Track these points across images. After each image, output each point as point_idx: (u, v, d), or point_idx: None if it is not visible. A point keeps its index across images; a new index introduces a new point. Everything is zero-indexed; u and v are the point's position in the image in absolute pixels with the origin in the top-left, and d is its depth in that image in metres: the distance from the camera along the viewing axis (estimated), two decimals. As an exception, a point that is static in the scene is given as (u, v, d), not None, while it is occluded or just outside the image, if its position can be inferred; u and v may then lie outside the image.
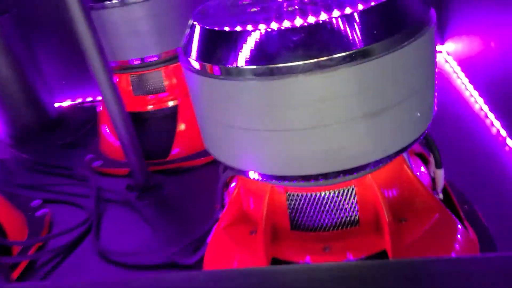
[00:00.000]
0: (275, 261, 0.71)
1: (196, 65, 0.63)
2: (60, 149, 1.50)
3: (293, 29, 0.56)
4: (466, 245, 0.72)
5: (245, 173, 0.68)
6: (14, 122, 1.58)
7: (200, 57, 0.63)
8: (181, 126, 1.30)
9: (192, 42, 0.65)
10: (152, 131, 1.32)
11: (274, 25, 0.57)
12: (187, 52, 0.65)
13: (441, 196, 0.78)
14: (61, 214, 1.18)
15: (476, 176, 1.02)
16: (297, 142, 0.59)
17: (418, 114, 0.62)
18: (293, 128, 0.59)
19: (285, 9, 0.62)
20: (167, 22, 1.22)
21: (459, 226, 0.73)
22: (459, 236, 0.72)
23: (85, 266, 1.00)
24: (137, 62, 1.26)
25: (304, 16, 0.58)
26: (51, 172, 1.37)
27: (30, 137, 1.59)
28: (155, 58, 1.25)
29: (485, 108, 1.25)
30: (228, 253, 0.77)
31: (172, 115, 1.31)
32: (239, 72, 0.58)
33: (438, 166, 0.75)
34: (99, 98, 1.73)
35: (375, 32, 0.56)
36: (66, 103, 1.77)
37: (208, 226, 0.96)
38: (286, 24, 0.57)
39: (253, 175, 0.67)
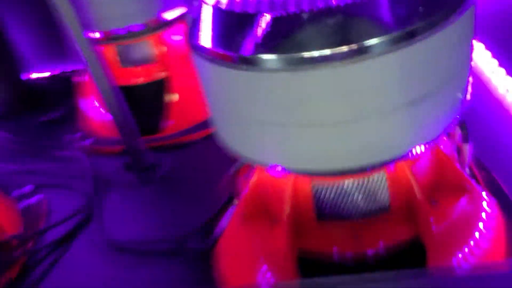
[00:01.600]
0: (302, 252, 0.68)
1: (209, 52, 0.56)
2: (42, 126, 1.41)
3: (328, 11, 0.49)
4: (495, 224, 0.70)
5: (267, 167, 0.63)
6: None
7: (214, 43, 0.55)
8: (174, 98, 1.23)
9: (203, 24, 0.57)
10: (143, 105, 1.24)
11: (305, 7, 0.50)
12: (197, 37, 0.57)
13: (467, 171, 0.75)
14: (56, 199, 1.11)
15: (489, 140, 0.99)
16: (331, 137, 0.54)
17: (460, 96, 0.57)
18: (328, 122, 0.53)
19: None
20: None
21: (488, 204, 0.71)
22: (488, 214, 0.70)
23: (92, 256, 0.96)
24: (122, 32, 1.15)
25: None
26: (36, 153, 1.28)
27: (8, 114, 1.47)
28: (142, 27, 1.15)
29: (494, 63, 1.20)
30: (246, 245, 0.74)
31: (161, 87, 1.23)
32: (266, 62, 0.51)
33: (465, 140, 0.72)
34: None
35: (417, 11, 0.50)
36: (40, 75, 1.64)
37: (216, 208, 0.92)
38: (320, 5, 0.50)
39: (276, 169, 0.62)
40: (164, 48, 1.21)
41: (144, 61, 1.22)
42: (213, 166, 1.07)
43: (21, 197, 1.09)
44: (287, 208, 0.67)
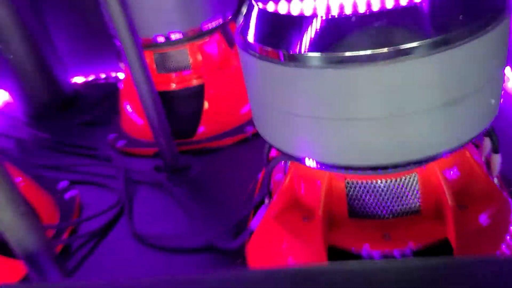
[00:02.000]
0: (332, 249, 0.70)
1: (258, 49, 0.60)
2: (77, 127, 1.47)
3: (372, 14, 0.53)
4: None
5: (301, 161, 0.67)
6: (29, 99, 1.53)
7: (264, 42, 0.60)
8: (207, 105, 1.28)
9: (253, 25, 0.62)
10: (177, 110, 1.29)
11: (349, 10, 0.54)
12: (247, 35, 0.62)
13: (496, 181, 0.77)
14: (89, 196, 1.16)
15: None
16: (369, 132, 0.58)
17: (493, 101, 0.60)
18: (368, 118, 0.57)
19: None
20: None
21: (516, 212, 0.73)
22: (516, 222, 0.72)
23: (122, 250, 0.99)
24: (161, 40, 1.21)
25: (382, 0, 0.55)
26: (72, 152, 1.34)
27: (46, 115, 1.54)
28: (179, 35, 1.21)
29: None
30: (279, 241, 0.76)
31: (197, 94, 1.28)
32: (312, 59, 0.55)
33: (495, 150, 0.74)
34: (115, 74, 1.69)
35: (458, 18, 0.54)
36: (80, 79, 1.72)
37: (246, 209, 0.95)
38: (364, 8, 0.54)
39: (311, 163, 0.65)
40: (200, 57, 1.27)
41: (180, 68, 1.28)
42: (243, 171, 1.12)
43: (56, 192, 1.14)
44: (321, 204, 0.69)
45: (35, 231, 0.60)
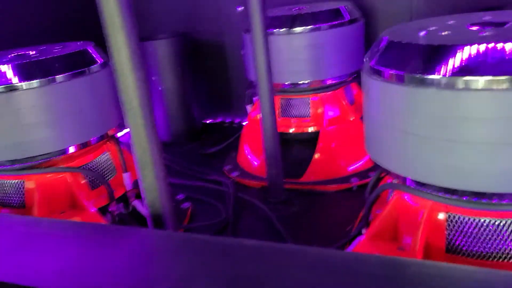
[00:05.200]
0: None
1: (384, 73, 0.69)
2: (200, 157, 1.66)
3: (492, 47, 0.59)
4: None
5: (409, 183, 0.71)
6: (168, 127, 1.78)
7: (390, 66, 0.68)
8: (319, 152, 1.37)
9: (380, 53, 0.71)
10: (290, 151, 1.40)
11: (474, 41, 0.61)
12: (374, 62, 0.71)
13: None
14: (200, 210, 1.29)
15: None
16: (484, 156, 0.61)
17: None
18: (485, 142, 0.60)
19: (473, 30, 0.66)
20: (325, 53, 1.31)
21: None
22: None
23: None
24: (288, 87, 1.36)
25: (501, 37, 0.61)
26: (191, 175, 1.51)
27: (177, 142, 1.77)
28: (306, 85, 1.35)
29: None
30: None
31: (311, 140, 1.38)
32: (436, 81, 0.62)
33: None
34: (237, 120, 1.90)
35: None
36: (211, 118, 1.95)
37: (342, 240, 0.98)
38: (484, 40, 0.60)
39: (417, 186, 0.69)
40: (320, 108, 1.38)
41: (300, 115, 1.40)
42: (343, 215, 1.16)
43: (174, 201, 1.29)
44: (418, 236, 0.72)
45: (165, 194, 0.72)
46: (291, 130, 1.41)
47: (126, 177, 1.10)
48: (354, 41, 1.36)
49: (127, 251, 0.49)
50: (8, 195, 1.02)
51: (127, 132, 0.71)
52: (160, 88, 1.70)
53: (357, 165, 1.35)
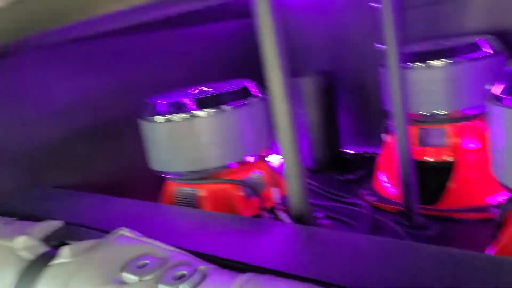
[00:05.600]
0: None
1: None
2: (340, 183, 1.80)
3: None
4: None
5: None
6: (312, 155, 1.97)
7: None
8: (455, 181, 1.40)
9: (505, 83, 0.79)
10: (425, 178, 1.45)
11: None
12: (504, 93, 0.79)
13: None
14: (338, 229, 1.42)
15: None
16: None
17: None
18: None
19: None
20: (462, 85, 1.36)
21: None
22: None
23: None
24: (425, 117, 1.43)
25: None
26: (331, 198, 1.66)
27: (319, 170, 1.95)
28: (443, 115, 1.41)
29: None
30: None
31: (446, 169, 1.42)
32: None
33: None
34: (374, 151, 1.99)
35: None
36: (352, 149, 2.09)
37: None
38: None
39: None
40: (457, 138, 1.42)
41: (436, 144, 1.45)
42: (479, 243, 1.17)
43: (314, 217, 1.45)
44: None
45: (305, 200, 0.89)
46: (427, 158, 1.47)
47: (274, 192, 1.30)
48: (492, 73, 1.38)
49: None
50: (184, 199, 1.30)
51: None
52: (305, 120, 1.91)
53: (496, 195, 1.34)
